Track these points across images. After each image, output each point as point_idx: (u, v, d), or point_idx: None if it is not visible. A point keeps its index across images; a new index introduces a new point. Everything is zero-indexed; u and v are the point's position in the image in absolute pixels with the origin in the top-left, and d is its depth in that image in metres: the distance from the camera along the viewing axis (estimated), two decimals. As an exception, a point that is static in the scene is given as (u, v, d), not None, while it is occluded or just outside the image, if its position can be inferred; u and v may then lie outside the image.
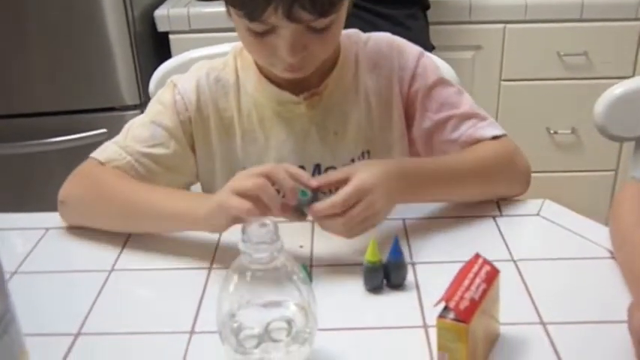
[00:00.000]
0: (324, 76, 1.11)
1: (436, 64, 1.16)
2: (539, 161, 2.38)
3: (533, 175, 1.10)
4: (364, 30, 1.86)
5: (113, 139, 1.11)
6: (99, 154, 1.09)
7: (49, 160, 2.16)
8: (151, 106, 1.13)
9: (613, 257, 0.93)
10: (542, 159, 2.33)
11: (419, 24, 2.08)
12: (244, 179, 0.90)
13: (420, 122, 1.13)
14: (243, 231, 0.69)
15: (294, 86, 1.09)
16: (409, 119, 1.15)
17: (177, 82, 1.12)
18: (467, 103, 1.13)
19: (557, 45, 2.26)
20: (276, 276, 0.70)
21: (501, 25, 2.24)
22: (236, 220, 0.89)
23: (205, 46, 1.42)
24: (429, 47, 2.09)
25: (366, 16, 1.91)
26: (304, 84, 1.09)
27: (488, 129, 1.10)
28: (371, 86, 1.13)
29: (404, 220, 1.04)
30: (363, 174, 0.91)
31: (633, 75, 2.28)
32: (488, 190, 1.08)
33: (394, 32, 2.04)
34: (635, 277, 0.84)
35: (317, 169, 1.12)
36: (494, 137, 1.09)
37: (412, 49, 1.15)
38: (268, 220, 0.69)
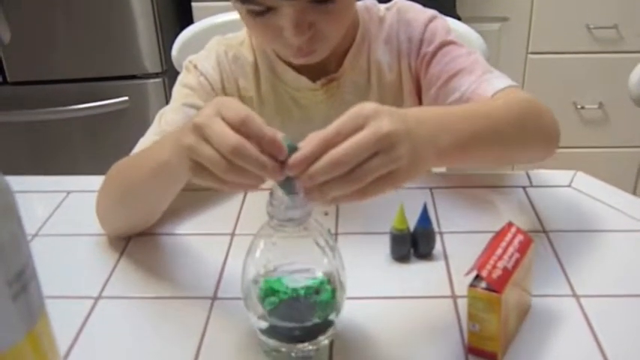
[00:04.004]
0: (341, 59, 1.05)
1: (448, 27, 1.06)
2: (565, 136, 2.33)
3: (559, 150, 0.98)
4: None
5: (146, 133, 1.02)
6: (134, 150, 0.99)
7: (70, 127, 2.16)
8: (177, 91, 1.06)
9: (648, 230, 0.91)
10: (569, 134, 2.28)
11: (445, -7, 2.04)
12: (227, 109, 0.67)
13: (426, 94, 1.04)
14: (272, 194, 0.66)
15: (312, 70, 1.04)
16: (419, 93, 1.07)
17: (196, 63, 1.06)
18: (475, 59, 1.01)
19: (586, 17, 2.21)
20: (304, 242, 0.68)
21: (529, -4, 2.20)
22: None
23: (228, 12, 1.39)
24: (455, 18, 2.05)
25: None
26: (322, 69, 1.04)
27: (496, 82, 0.96)
28: (384, 62, 1.06)
29: (431, 189, 1.01)
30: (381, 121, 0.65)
31: (664, 49, 2.24)
32: (526, 152, 0.92)
33: (419, 2, 2.01)
34: None
35: None
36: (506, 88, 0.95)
37: (420, 17, 1.06)
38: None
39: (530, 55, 2.28)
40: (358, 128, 0.64)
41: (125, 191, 0.88)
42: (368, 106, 0.66)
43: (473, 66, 0.99)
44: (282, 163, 0.63)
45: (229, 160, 0.64)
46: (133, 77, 2.13)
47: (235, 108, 0.66)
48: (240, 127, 0.64)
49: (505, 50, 2.26)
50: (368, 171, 0.63)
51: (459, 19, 2.05)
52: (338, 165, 0.62)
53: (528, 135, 0.89)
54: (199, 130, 0.66)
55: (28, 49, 2.08)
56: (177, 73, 1.31)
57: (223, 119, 0.65)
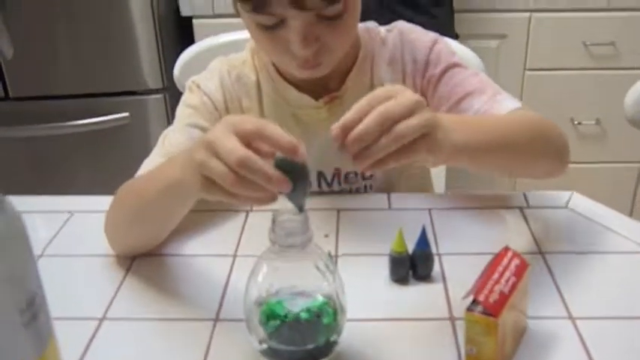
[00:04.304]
0: (344, 77, 1.07)
1: (452, 50, 1.11)
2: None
3: None
4: (384, 17, 1.85)
5: (150, 154, 1.04)
6: (140, 170, 1.01)
7: (71, 142, 2.18)
8: (181, 112, 1.08)
9: (643, 252, 0.92)
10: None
11: (444, 12, 2.06)
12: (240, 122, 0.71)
13: (435, 109, 1.05)
14: (274, 221, 0.68)
15: (314, 89, 1.06)
16: None
17: (199, 83, 1.08)
18: (482, 80, 1.05)
19: (583, 35, 2.23)
20: (304, 267, 0.69)
21: (527, 14, 2.22)
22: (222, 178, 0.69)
23: (228, 32, 1.41)
24: (453, 36, 2.07)
25: (390, 4, 1.90)
26: (324, 87, 1.06)
27: (504, 102, 1.00)
28: (387, 80, 1.09)
29: (429, 210, 1.03)
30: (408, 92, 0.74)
31: (660, 66, 2.26)
32: (537, 165, 0.98)
33: (419, 20, 2.02)
34: None
35: (337, 174, 1.11)
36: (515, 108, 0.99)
37: (424, 39, 1.10)
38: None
39: (527, 72, 2.30)
40: (388, 99, 0.72)
41: (136, 211, 0.90)
42: (393, 86, 0.75)
43: (483, 87, 1.03)
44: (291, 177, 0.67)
45: (237, 172, 0.67)
46: (134, 93, 2.14)
47: (250, 120, 0.71)
48: (255, 137, 0.69)
49: (503, 67, 2.28)
50: (410, 127, 0.71)
51: (457, 36, 2.08)
52: (385, 119, 0.70)
53: (538, 148, 0.94)
54: (210, 146, 0.70)
55: (30, 65, 2.10)
56: (178, 91, 1.33)
57: (236, 134, 0.69)
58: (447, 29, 2.08)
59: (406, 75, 1.09)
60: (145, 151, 2.22)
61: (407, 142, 0.72)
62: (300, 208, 0.70)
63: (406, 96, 0.73)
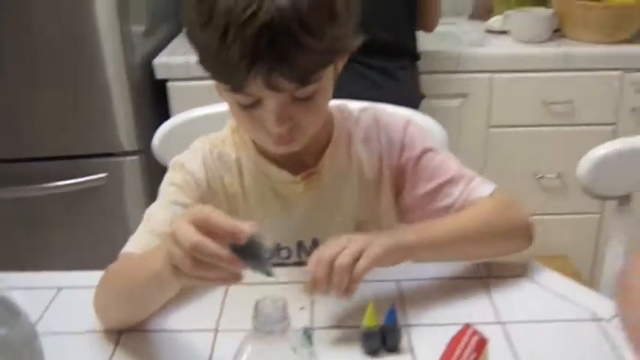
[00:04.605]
0: (320, 154, 1.15)
1: (423, 132, 1.22)
2: (526, 205, 2.44)
3: None
4: (357, 82, 1.93)
5: (136, 232, 1.10)
6: (126, 247, 1.07)
7: (48, 203, 2.21)
8: (164, 189, 1.14)
9: (599, 320, 1.00)
10: (530, 202, 2.40)
11: (410, 75, 2.16)
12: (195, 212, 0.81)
13: (411, 192, 1.17)
14: (255, 308, 0.75)
15: (292, 165, 1.13)
16: (399, 190, 1.18)
17: (183, 162, 1.14)
18: (454, 167, 1.17)
19: (542, 93, 2.34)
20: (284, 348, 0.76)
21: (488, 75, 2.33)
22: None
23: (202, 94, 1.45)
24: (419, 97, 2.16)
25: (359, 68, 1.98)
26: (301, 163, 1.14)
27: (481, 188, 1.14)
28: (363, 159, 1.17)
29: (397, 281, 1.10)
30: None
31: (616, 122, 2.37)
32: (493, 246, 1.11)
33: (386, 84, 2.12)
34: None
35: (315, 244, 1.17)
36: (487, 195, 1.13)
37: (398, 120, 1.20)
38: (280, 301, 0.75)
39: (491, 129, 2.40)
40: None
41: (126, 294, 0.97)
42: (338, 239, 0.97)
43: (460, 173, 1.16)
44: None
45: (194, 257, 0.77)
46: (111, 155, 2.19)
47: (203, 209, 0.81)
48: (205, 225, 0.78)
49: (467, 124, 2.37)
50: (345, 256, 0.93)
51: (423, 97, 2.18)
52: (319, 264, 0.93)
53: (499, 235, 1.11)
54: (172, 236, 0.80)
55: (5, 127, 2.15)
56: (152, 154, 1.40)
57: (193, 223, 0.79)
58: (414, 91, 2.17)
59: (382, 154, 1.17)
60: (122, 211, 2.26)
61: (350, 267, 0.93)
62: (268, 274, 0.80)
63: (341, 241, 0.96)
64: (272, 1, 0.91)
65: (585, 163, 1.32)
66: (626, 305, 0.97)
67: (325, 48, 0.96)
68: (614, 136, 2.35)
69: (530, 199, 2.41)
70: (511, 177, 2.41)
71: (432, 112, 2.20)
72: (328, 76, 1.03)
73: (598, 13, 2.33)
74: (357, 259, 0.94)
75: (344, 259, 0.93)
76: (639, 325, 0.93)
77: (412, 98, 2.11)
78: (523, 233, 1.13)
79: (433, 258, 1.08)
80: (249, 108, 1.01)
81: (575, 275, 2.11)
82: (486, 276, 1.11)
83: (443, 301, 1.06)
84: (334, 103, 1.17)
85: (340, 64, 1.07)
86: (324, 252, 0.95)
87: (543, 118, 2.38)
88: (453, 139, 2.30)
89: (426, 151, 1.17)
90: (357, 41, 1.05)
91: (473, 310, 1.03)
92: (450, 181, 1.15)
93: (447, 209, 1.13)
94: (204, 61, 0.99)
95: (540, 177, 2.44)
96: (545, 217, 2.46)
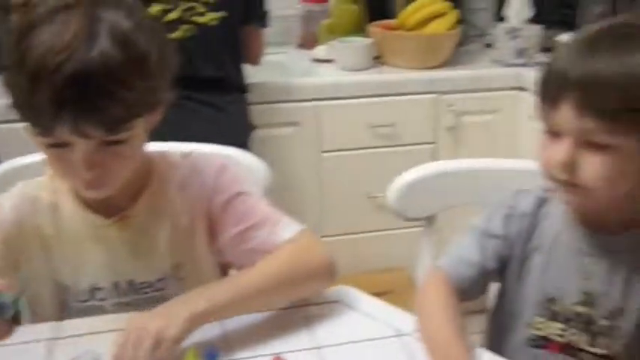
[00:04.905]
0: (135, 197, 1.18)
1: (237, 176, 1.25)
2: (360, 223, 2.57)
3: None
4: (187, 119, 1.98)
5: None
6: None
7: None
8: None
9: (402, 335, 1.10)
10: (364, 220, 2.54)
11: (239, 108, 2.22)
12: None
13: (222, 235, 1.22)
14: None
15: (105, 208, 1.17)
16: (214, 233, 1.23)
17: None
18: (263, 210, 1.22)
19: (367, 117, 2.47)
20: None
21: (316, 102, 2.43)
22: None
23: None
24: (250, 128, 2.23)
25: (189, 104, 2.02)
26: (116, 206, 1.17)
27: (284, 232, 1.19)
28: (178, 204, 1.21)
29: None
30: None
31: (435, 141, 2.54)
32: (292, 294, 1.17)
33: (217, 118, 2.18)
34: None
35: (131, 285, 1.21)
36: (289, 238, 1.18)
37: (212, 166, 1.23)
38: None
39: (323, 154, 2.50)
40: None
41: None
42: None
43: (266, 217, 1.21)
44: None
45: None
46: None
47: None
48: None
49: (300, 151, 2.46)
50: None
51: (254, 127, 2.25)
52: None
53: (297, 282, 1.15)
54: None
55: None
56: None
57: None
58: (245, 123, 2.24)
59: (195, 200, 1.22)
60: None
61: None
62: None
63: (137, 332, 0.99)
64: (85, 51, 0.94)
65: (393, 190, 1.44)
66: (420, 319, 1.10)
67: (136, 99, 1.00)
68: (435, 153, 2.53)
69: (365, 217, 2.54)
70: (345, 198, 2.53)
71: (264, 142, 2.31)
72: (140, 125, 1.05)
73: (411, 41, 2.50)
74: (157, 344, 0.98)
75: (143, 352, 0.97)
76: (434, 337, 1.06)
77: (243, 131, 2.19)
78: (323, 273, 1.18)
79: (235, 314, 1.11)
80: (59, 150, 1.02)
81: (411, 285, 2.23)
82: (305, 305, 1.19)
83: (262, 331, 1.12)
84: (157, 147, 1.22)
85: (155, 115, 1.11)
86: (122, 350, 0.98)
87: (370, 141, 2.50)
88: (287, 166, 2.42)
89: (236, 195, 1.22)
90: (170, 95, 1.09)
91: (292, 337, 1.10)
92: (257, 225, 1.20)
93: (254, 251, 1.17)
94: (15, 103, 1.00)
95: (372, 196, 2.57)
96: (380, 233, 2.58)
